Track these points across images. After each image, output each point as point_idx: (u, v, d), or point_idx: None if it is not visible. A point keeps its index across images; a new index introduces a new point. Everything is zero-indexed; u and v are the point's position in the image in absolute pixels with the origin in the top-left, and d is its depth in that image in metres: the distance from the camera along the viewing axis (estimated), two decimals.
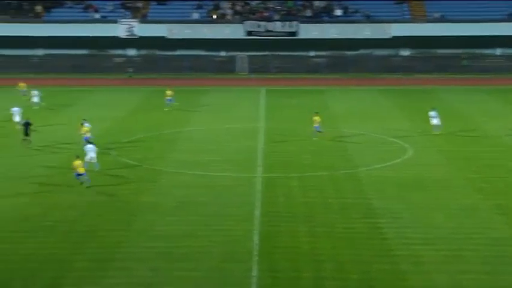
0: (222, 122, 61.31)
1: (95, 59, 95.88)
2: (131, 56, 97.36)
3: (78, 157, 41.53)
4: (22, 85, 72.09)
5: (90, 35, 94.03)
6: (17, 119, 55.75)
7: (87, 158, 43.68)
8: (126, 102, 70.57)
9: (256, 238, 32.69)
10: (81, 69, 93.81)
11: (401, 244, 32.02)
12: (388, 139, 53.88)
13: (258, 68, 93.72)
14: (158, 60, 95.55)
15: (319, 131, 52.87)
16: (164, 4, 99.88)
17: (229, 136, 55.43)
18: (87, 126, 50.22)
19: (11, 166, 45.61)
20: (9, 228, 34.08)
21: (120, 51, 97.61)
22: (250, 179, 42.86)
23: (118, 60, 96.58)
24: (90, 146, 44.58)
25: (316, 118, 53.29)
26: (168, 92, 66.11)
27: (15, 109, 56.96)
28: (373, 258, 30.41)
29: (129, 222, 35.05)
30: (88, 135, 48.79)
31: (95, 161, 43.96)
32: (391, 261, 30.18)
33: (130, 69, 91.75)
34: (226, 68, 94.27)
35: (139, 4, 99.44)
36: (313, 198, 39.02)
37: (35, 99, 67.16)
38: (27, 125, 50.65)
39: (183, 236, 33.13)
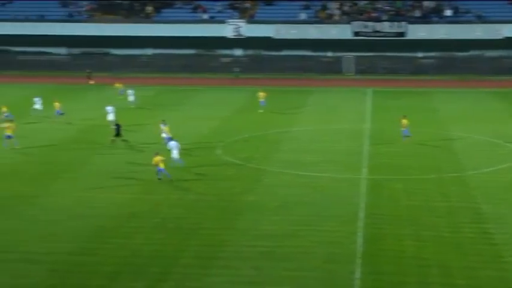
0: (328, 122, 61.02)
1: (202, 59, 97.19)
2: (238, 56, 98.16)
3: (157, 153, 42.43)
4: (119, 85, 73.24)
5: (198, 35, 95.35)
6: (110, 117, 56.98)
7: (173, 155, 44.52)
8: (232, 101, 71.17)
9: (359, 240, 32.37)
10: (188, 69, 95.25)
11: (511, 250, 31.07)
12: (498, 142, 52.37)
13: (364, 69, 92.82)
14: (264, 60, 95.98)
15: (407, 135, 51.86)
16: (272, 5, 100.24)
17: (334, 137, 55.12)
18: (164, 127, 50.76)
19: (117, 165, 46.62)
20: (118, 223, 34.92)
21: (227, 51, 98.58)
22: (355, 180, 42.49)
23: (225, 60, 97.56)
24: (173, 143, 45.30)
25: (404, 121, 52.21)
26: (261, 94, 65.85)
27: (109, 108, 58.27)
28: (481, 264, 29.61)
29: (233, 221, 35.34)
30: (167, 135, 49.48)
31: (177, 156, 44.62)
32: (499, 267, 29.31)
33: (237, 69, 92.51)
34: (333, 68, 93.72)
35: (247, 4, 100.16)
36: (418, 201, 38.35)
37: (131, 98, 68.28)
38: (118, 126, 51.68)
39: (286, 235, 33.14)
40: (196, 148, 50.92)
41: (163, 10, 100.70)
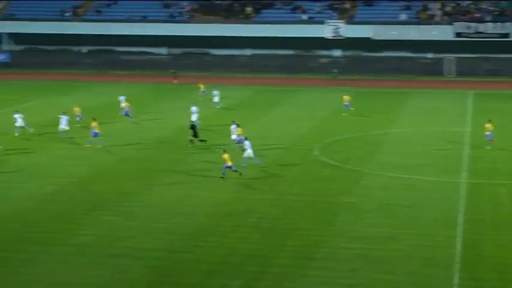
0: (427, 125, 60.09)
1: (300, 59, 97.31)
2: (336, 57, 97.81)
3: (225, 151, 42.85)
4: (201, 86, 73.47)
5: (297, 35, 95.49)
6: (194, 118, 57.56)
7: (246, 154, 44.81)
8: (330, 102, 70.94)
9: (458, 245, 31.76)
10: (287, 69, 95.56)
11: None
12: None
13: (465, 71, 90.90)
14: (363, 61, 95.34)
15: (490, 139, 50.40)
16: (372, 5, 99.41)
17: (433, 139, 54.23)
18: (235, 128, 50.75)
19: (211, 164, 47.13)
20: (215, 222, 35.34)
21: (325, 52, 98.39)
22: (454, 184, 41.70)
23: (323, 60, 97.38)
24: (247, 142, 45.51)
25: (488, 126, 50.71)
26: (346, 97, 64.96)
27: (194, 108, 58.72)
28: None
29: (330, 222, 35.24)
30: (237, 136, 49.64)
31: (252, 156, 44.89)
32: None
33: (335, 70, 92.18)
34: (433, 70, 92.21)
35: (347, 5, 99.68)
36: None
37: (216, 99, 68.41)
38: (194, 127, 51.97)
39: (383, 238, 32.83)
40: (293, 148, 51.04)
41: (262, 11, 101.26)
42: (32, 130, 55.13)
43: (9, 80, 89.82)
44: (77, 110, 59.61)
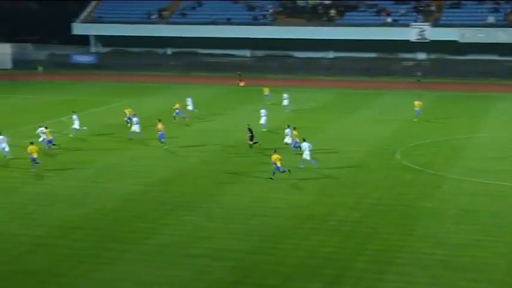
0: None
1: (383, 62, 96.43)
2: (420, 60, 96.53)
3: (275, 151, 42.88)
4: (266, 90, 72.70)
5: (381, 38, 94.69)
6: (262, 121, 57.45)
7: (304, 156, 44.95)
8: (413, 105, 69.91)
9: None
10: (369, 72, 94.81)
11: None
12: None
13: None
14: (447, 64, 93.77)
15: None
16: (458, 7, 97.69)
17: None
18: (289, 131, 50.36)
19: (288, 167, 47.10)
20: (295, 224, 35.26)
21: (409, 55, 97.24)
22: None
23: (407, 63, 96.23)
24: (305, 144, 45.32)
25: None
26: (417, 103, 63.47)
27: (263, 111, 58.54)
28: None
29: (411, 227, 34.72)
30: (291, 140, 49.43)
31: (309, 158, 44.82)
32: None
33: (419, 73, 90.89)
34: None
35: (433, 7, 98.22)
36: None
37: (285, 102, 67.72)
38: (250, 130, 51.60)
39: (466, 245, 32.16)
40: (374, 152, 50.54)
41: (346, 13, 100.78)
42: (85, 129, 56.03)
43: (96, 81, 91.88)
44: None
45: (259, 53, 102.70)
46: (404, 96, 78.29)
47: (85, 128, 55.50)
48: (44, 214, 36.71)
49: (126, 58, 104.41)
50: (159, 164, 47.24)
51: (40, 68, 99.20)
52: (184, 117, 61.23)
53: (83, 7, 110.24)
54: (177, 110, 61.06)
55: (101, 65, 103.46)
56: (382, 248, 31.83)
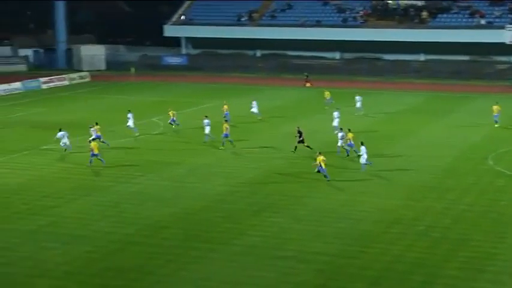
0: None
1: (476, 65, 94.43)
2: None
3: (320, 153, 42.87)
4: (327, 94, 71.28)
5: (473, 40, 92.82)
6: (335, 123, 56.79)
7: (362, 160, 44.72)
8: (507, 109, 68.15)
9: None
10: (460, 75, 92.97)
11: None
12: None
13: None
14: None
15: None
16: None
17: None
18: (341, 134, 49.57)
19: (370, 171, 46.58)
20: (382, 228, 34.87)
21: (504, 58, 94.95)
22: None
23: (501, 67, 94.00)
24: (363, 148, 44.93)
25: None
26: (495, 108, 61.51)
27: (336, 113, 57.85)
28: None
29: (503, 234, 33.86)
30: (344, 141, 48.82)
31: (365, 161, 44.63)
32: None
33: None
34: None
35: None
36: None
37: (358, 105, 66.56)
38: (300, 133, 50.61)
39: None
40: (465, 157, 49.53)
41: (438, 15, 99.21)
42: (137, 134, 56.72)
43: (186, 83, 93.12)
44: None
45: (349, 55, 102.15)
46: (497, 100, 76.41)
47: (136, 130, 56.68)
48: (134, 213, 37.41)
49: (216, 60, 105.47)
50: (247, 165, 47.49)
51: (132, 69, 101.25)
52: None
53: (174, 9, 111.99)
54: (226, 112, 61.05)
55: (191, 67, 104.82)
56: (473, 255, 31.12)
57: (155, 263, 30.47)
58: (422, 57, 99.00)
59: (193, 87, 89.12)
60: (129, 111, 57.84)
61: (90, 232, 34.32)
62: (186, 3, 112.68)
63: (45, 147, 51.99)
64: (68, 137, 50.43)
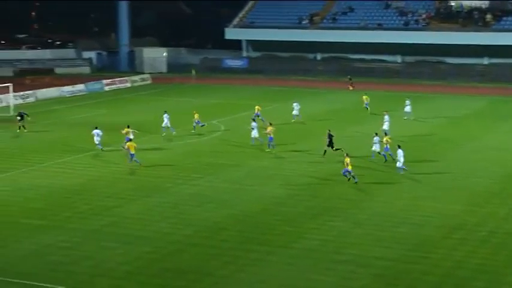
0: None
1: None
2: None
3: (347, 155, 42.59)
4: (366, 98, 69.65)
5: None
6: (385, 126, 56.03)
7: (398, 164, 44.70)
8: None
9: None
10: None
11: None
12: None
13: None
14: None
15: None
16: None
17: None
18: (377, 140, 48.70)
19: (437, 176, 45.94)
20: (443, 234, 34.36)
21: None
22: None
23: None
24: (400, 151, 44.62)
25: None
26: None
27: (386, 117, 57.02)
28: None
29: None
30: (377, 147, 48.44)
31: (401, 165, 44.48)
32: None
33: None
34: None
35: None
36: None
37: (407, 109, 65.29)
38: (330, 136, 50.14)
39: None
40: None
41: (503, 18, 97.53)
42: (174, 133, 57.33)
43: (247, 85, 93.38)
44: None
45: (410, 58, 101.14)
46: None
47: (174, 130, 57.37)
48: (192, 214, 37.64)
49: (276, 63, 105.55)
50: (305, 168, 47.35)
51: (193, 72, 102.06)
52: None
53: (236, 12, 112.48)
54: (257, 112, 61.28)
55: (251, 70, 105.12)
56: None
57: (213, 265, 30.59)
58: (485, 61, 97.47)
59: (253, 90, 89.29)
60: (166, 112, 58.51)
61: (150, 233, 34.65)
62: (248, 6, 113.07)
63: (106, 148, 52.68)
64: (100, 136, 51.45)
